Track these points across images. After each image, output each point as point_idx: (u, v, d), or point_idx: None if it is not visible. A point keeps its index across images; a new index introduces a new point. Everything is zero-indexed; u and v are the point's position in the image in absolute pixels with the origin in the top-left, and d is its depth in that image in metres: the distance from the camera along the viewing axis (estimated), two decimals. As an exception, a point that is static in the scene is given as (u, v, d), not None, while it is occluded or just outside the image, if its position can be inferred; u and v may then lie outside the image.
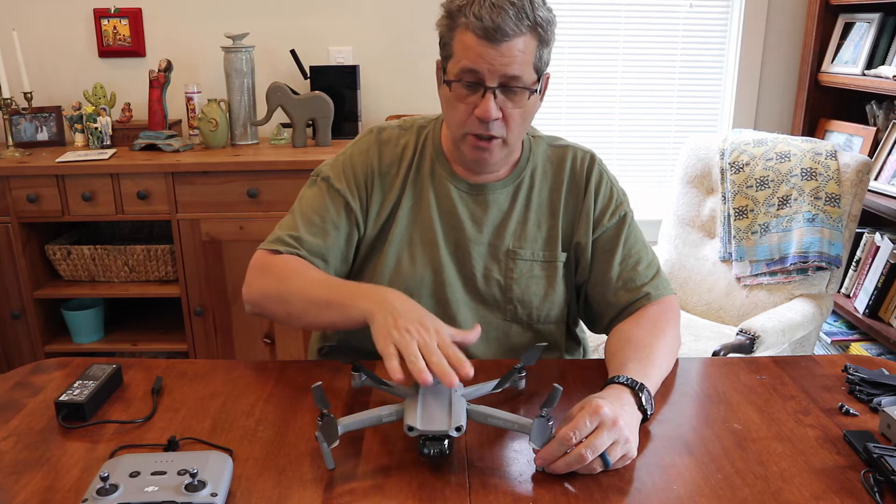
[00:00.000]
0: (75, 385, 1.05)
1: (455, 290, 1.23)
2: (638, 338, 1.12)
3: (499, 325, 1.25)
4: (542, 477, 0.89)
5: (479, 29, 1.07)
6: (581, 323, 1.36)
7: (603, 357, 1.15)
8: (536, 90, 1.14)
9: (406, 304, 1.00)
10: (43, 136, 2.58)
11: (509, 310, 1.24)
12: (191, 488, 0.81)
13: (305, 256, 1.19)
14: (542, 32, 1.12)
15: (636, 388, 0.98)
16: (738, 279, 2.27)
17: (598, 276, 1.24)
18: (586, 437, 0.87)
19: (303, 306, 1.11)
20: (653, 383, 1.03)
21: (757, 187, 2.25)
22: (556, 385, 0.90)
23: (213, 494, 0.81)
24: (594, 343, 2.14)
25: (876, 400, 1.05)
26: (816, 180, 2.15)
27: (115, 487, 0.81)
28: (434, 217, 1.23)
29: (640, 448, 0.94)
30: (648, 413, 0.98)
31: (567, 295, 1.28)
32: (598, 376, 1.12)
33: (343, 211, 1.23)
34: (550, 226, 1.24)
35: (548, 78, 1.19)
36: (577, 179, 1.25)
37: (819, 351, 2.45)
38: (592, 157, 1.27)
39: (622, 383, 0.99)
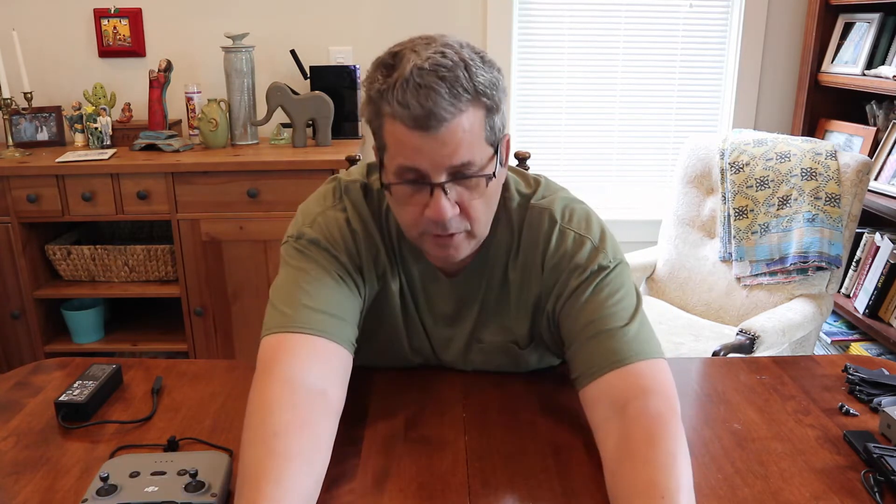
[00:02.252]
0: (75, 385, 1.05)
1: (426, 352, 1.14)
2: (642, 482, 0.81)
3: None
4: (543, 477, 0.89)
5: (409, 119, 0.87)
6: None
7: None
8: (495, 174, 0.94)
9: None
10: (43, 136, 2.57)
11: (477, 372, 1.15)
12: (191, 488, 0.81)
13: (331, 334, 0.96)
14: (487, 101, 0.90)
15: None
16: (738, 279, 2.27)
17: (570, 346, 1.01)
18: None
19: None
20: None
21: (757, 187, 2.25)
22: None
23: (213, 495, 0.81)
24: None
25: (876, 400, 1.05)
26: (816, 180, 2.15)
27: (114, 488, 0.81)
28: (409, 302, 1.09)
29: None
30: None
31: (555, 357, 1.17)
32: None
33: (345, 272, 1.02)
34: (508, 309, 1.08)
35: (508, 140, 0.99)
36: (535, 252, 1.04)
37: (819, 351, 2.45)
38: (551, 216, 1.03)
39: None
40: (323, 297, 0.97)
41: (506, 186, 1.06)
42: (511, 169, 1.10)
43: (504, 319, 1.09)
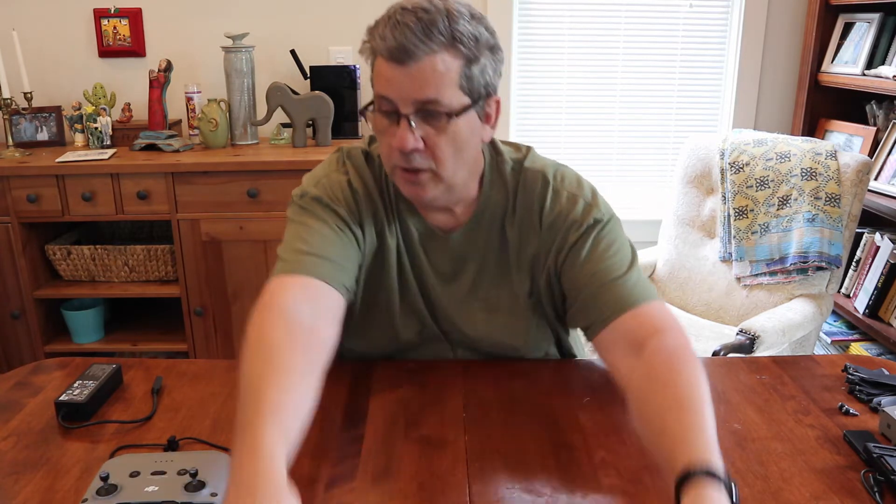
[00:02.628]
0: (75, 385, 1.05)
1: (438, 335, 1.18)
2: (670, 399, 0.86)
3: (481, 357, 1.21)
4: (543, 477, 0.89)
5: (386, 51, 0.96)
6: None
7: (596, 357, 1.10)
8: (458, 115, 0.99)
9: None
10: (43, 136, 2.58)
11: (489, 352, 1.19)
12: (191, 488, 0.81)
13: (324, 275, 1.01)
14: (463, 49, 0.97)
15: (719, 477, 0.74)
16: (738, 279, 2.27)
17: (573, 299, 1.09)
18: None
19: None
20: (716, 449, 0.79)
21: (757, 187, 2.25)
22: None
23: (213, 494, 0.81)
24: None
25: (876, 400, 1.05)
26: (816, 180, 2.15)
27: (114, 487, 0.81)
28: (407, 265, 1.14)
29: (641, 448, 0.94)
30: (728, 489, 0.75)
31: (549, 329, 1.20)
32: (596, 377, 1.12)
33: (345, 226, 1.09)
34: (516, 270, 1.13)
35: (497, 102, 1.06)
36: (532, 211, 1.11)
37: (819, 351, 2.45)
38: (544, 177, 1.11)
39: (704, 473, 0.74)
40: (318, 244, 1.04)
41: (498, 151, 1.14)
42: (503, 141, 1.17)
43: (504, 277, 1.14)
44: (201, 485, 0.82)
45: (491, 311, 1.15)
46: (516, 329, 1.17)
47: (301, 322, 0.92)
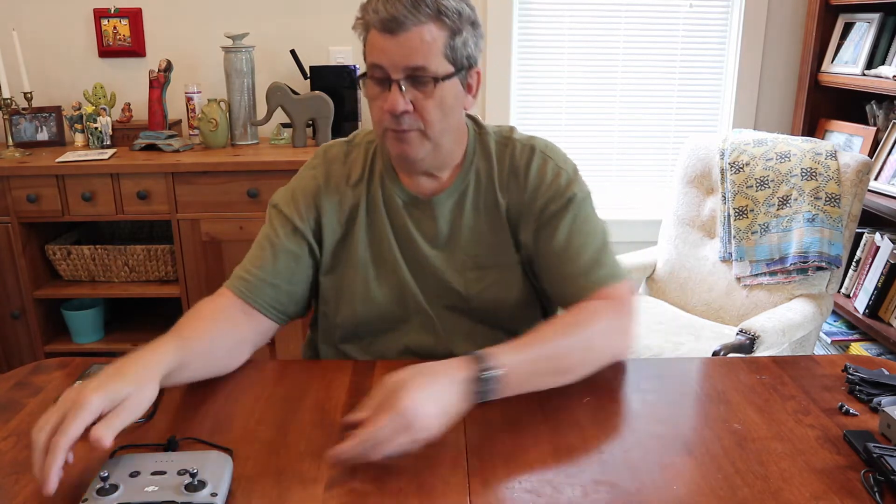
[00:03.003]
0: (75, 385, 1.05)
1: (422, 303, 1.22)
2: (543, 327, 1.06)
3: (468, 327, 1.24)
4: (542, 476, 0.89)
5: (378, 22, 1.06)
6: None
7: None
8: (444, 79, 1.09)
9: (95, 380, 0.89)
10: (43, 136, 2.58)
11: (475, 313, 1.23)
12: (191, 488, 0.81)
13: (242, 293, 1.17)
14: (448, 21, 1.07)
15: (481, 362, 0.94)
16: (738, 279, 2.27)
17: (546, 270, 1.19)
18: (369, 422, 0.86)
19: None
20: (520, 372, 0.98)
21: (757, 187, 2.25)
22: None
23: (213, 494, 0.81)
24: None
25: (876, 400, 1.05)
26: (816, 180, 2.15)
27: (115, 487, 0.81)
28: (389, 235, 1.21)
29: (640, 448, 0.94)
30: (480, 394, 0.93)
31: (536, 294, 1.25)
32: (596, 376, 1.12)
33: (291, 234, 1.21)
34: (501, 228, 1.21)
35: (478, 73, 1.16)
36: (518, 175, 1.20)
37: (819, 351, 2.45)
38: (533, 148, 1.22)
39: (474, 355, 0.94)
40: (261, 265, 1.19)
41: (481, 126, 1.25)
42: (492, 125, 1.28)
43: (493, 234, 1.21)
44: (202, 485, 0.82)
45: (482, 268, 1.21)
46: (508, 283, 1.22)
47: (225, 317, 1.14)
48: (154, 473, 0.84)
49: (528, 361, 1.00)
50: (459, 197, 1.21)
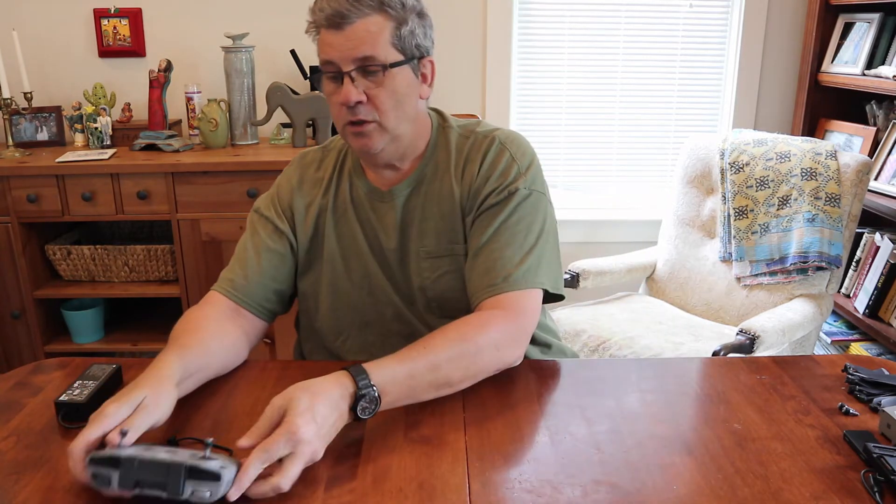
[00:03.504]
0: (75, 385, 1.05)
1: (389, 293, 1.24)
2: (428, 337, 1.04)
3: (432, 324, 1.22)
4: (542, 477, 0.89)
5: (325, 20, 1.10)
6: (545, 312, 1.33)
7: (595, 357, 1.14)
8: (391, 66, 1.11)
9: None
10: (43, 136, 2.58)
11: (433, 307, 1.23)
12: (199, 457, 0.83)
13: (231, 294, 1.21)
14: (392, 11, 1.11)
15: (358, 378, 0.93)
16: (738, 279, 2.27)
17: (468, 261, 1.19)
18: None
19: None
20: (399, 387, 0.97)
21: (757, 187, 2.25)
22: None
23: (223, 467, 0.82)
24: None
25: (876, 400, 1.05)
26: (816, 180, 2.15)
27: (122, 448, 0.84)
28: (356, 227, 1.25)
29: (640, 448, 0.94)
30: (358, 412, 0.93)
31: None
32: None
33: (273, 234, 1.25)
34: (453, 217, 1.21)
35: (431, 63, 1.19)
36: (474, 164, 1.21)
37: (819, 351, 2.45)
38: (493, 138, 1.22)
39: (347, 371, 0.94)
40: (247, 266, 1.23)
41: (445, 119, 1.27)
42: (455, 115, 1.31)
43: (447, 225, 1.21)
44: (212, 460, 0.82)
45: (435, 258, 1.22)
46: (458, 276, 1.21)
47: (217, 320, 1.16)
48: (167, 452, 0.85)
49: (407, 376, 0.98)
50: (416, 186, 1.23)
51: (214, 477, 0.81)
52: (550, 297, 1.19)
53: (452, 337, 1.05)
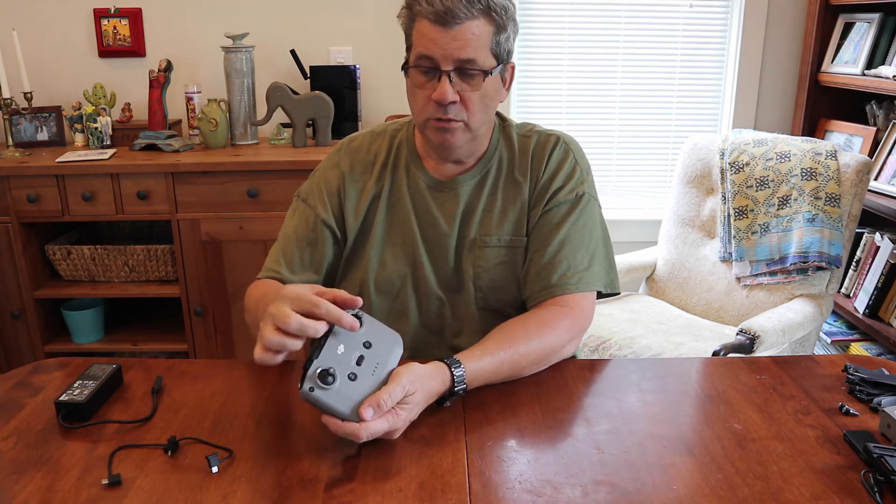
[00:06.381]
0: (75, 385, 1.05)
1: (432, 283, 1.26)
2: (508, 332, 1.12)
3: (472, 315, 1.26)
4: (542, 477, 0.89)
5: (432, 14, 1.10)
6: None
7: (595, 357, 1.16)
8: (491, 73, 1.15)
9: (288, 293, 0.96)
10: (43, 136, 2.58)
11: (479, 298, 1.25)
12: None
13: (282, 277, 1.23)
14: (496, 17, 1.13)
15: (456, 380, 1.01)
16: (738, 279, 2.27)
17: (531, 254, 1.24)
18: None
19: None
20: (481, 377, 1.05)
21: (757, 187, 2.25)
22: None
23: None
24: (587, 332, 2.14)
25: (876, 400, 1.05)
26: (816, 180, 2.15)
27: (333, 378, 0.91)
28: (410, 215, 1.26)
29: (640, 448, 0.94)
30: (444, 404, 1.02)
31: None
32: (600, 377, 1.12)
33: (316, 225, 1.26)
34: (517, 209, 1.25)
35: (513, 68, 1.23)
36: (538, 161, 1.26)
37: (819, 351, 2.45)
38: (557, 138, 1.27)
39: (449, 368, 1.01)
40: (290, 257, 1.25)
41: (505, 120, 1.31)
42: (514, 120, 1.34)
43: (510, 215, 1.25)
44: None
45: (492, 247, 1.25)
46: (509, 268, 1.25)
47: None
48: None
49: (492, 373, 1.06)
50: (481, 179, 1.26)
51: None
52: (602, 294, 1.27)
53: (532, 335, 1.12)
